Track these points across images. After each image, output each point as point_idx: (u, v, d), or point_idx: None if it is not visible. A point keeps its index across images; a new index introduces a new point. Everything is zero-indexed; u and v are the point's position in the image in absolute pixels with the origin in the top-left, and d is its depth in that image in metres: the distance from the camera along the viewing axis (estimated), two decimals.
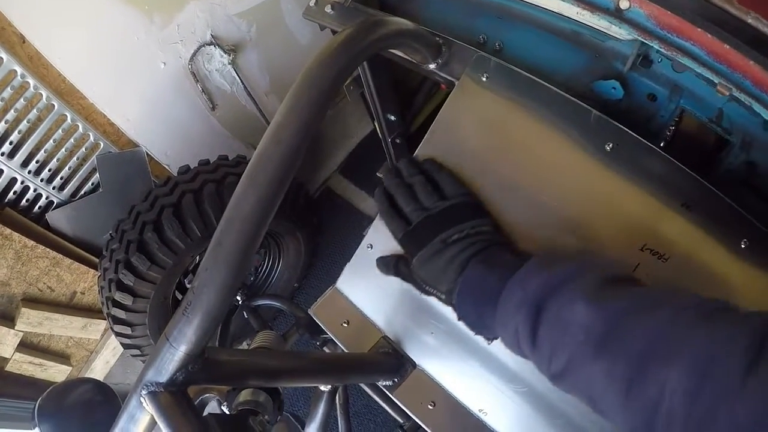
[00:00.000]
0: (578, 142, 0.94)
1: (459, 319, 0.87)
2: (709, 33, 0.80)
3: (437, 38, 1.05)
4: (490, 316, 0.80)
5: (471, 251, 0.86)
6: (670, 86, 1.00)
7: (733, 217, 0.86)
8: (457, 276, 0.85)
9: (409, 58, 1.06)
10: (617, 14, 0.88)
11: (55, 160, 2.00)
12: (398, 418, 1.32)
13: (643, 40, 0.87)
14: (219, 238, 0.69)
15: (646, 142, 0.91)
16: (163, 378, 0.69)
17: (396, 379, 1.06)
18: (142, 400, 0.69)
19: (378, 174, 1.97)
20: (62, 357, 2.38)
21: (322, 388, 1.10)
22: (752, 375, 0.53)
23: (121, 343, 2.04)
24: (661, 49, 0.85)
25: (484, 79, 1.01)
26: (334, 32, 1.37)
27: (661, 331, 0.62)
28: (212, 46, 2.13)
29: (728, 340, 0.57)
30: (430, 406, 1.05)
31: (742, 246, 0.84)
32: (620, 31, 0.92)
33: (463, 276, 0.84)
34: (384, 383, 1.07)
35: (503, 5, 1.10)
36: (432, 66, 1.07)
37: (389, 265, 1.01)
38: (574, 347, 0.67)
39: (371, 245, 1.12)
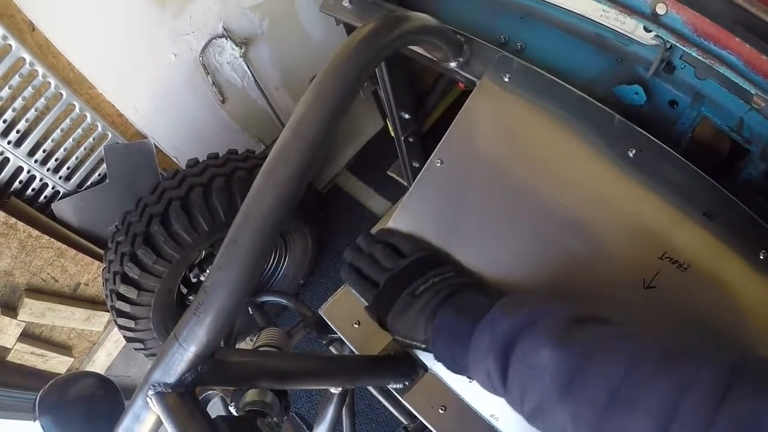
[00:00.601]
0: (600, 147, 0.93)
1: (437, 360, 0.88)
2: (748, 43, 0.78)
3: (459, 36, 1.03)
4: (464, 359, 0.81)
5: (439, 298, 0.88)
6: (692, 93, 0.99)
7: (753, 228, 0.86)
8: (427, 324, 0.87)
9: (430, 56, 1.04)
10: (654, 18, 0.86)
11: (62, 149, 1.98)
12: (402, 419, 1.30)
13: (681, 47, 0.85)
14: (234, 236, 0.66)
15: (669, 149, 0.90)
16: (171, 379, 0.67)
17: (407, 383, 1.04)
18: (149, 400, 0.67)
19: (388, 173, 1.96)
20: (64, 348, 2.37)
21: (333, 390, 1.09)
22: (721, 414, 0.53)
23: (124, 336, 2.03)
24: (699, 57, 0.83)
25: (506, 79, 0.99)
26: (348, 27, 1.35)
27: (624, 376, 0.62)
28: (224, 39, 2.11)
29: (693, 381, 0.57)
30: (441, 411, 1.03)
31: (761, 257, 0.84)
32: (649, 36, 0.90)
33: (434, 323, 0.86)
34: (394, 386, 1.04)
35: (526, 5, 1.09)
36: (453, 64, 1.05)
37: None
38: (542, 390, 0.68)
39: None
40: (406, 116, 1.54)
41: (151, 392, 0.67)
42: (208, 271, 2.06)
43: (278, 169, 0.65)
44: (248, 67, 2.24)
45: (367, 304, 0.98)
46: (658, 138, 0.91)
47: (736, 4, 0.83)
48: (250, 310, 1.95)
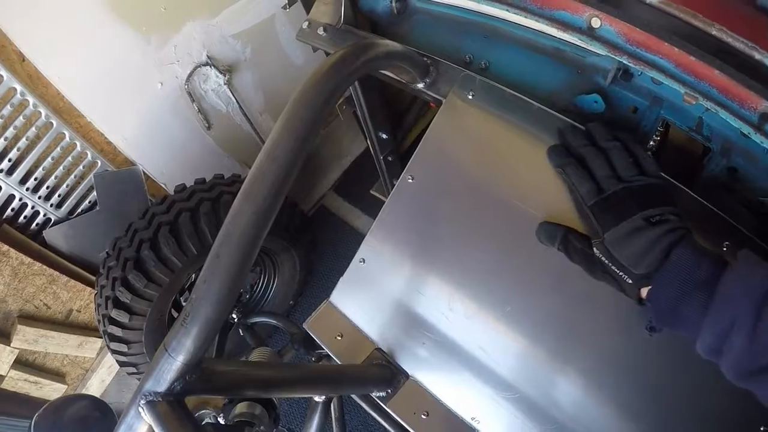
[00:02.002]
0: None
1: (647, 302, 0.81)
2: (676, 46, 0.84)
3: (425, 59, 1.09)
4: (696, 304, 0.74)
5: (676, 235, 0.79)
6: (650, 98, 1.03)
7: (713, 222, 0.89)
8: (660, 259, 0.78)
9: (399, 78, 1.09)
10: (589, 33, 0.92)
11: (53, 177, 2.03)
12: None
13: (612, 56, 0.90)
14: (217, 251, 0.71)
15: None
16: (162, 387, 0.71)
17: (389, 390, 1.08)
18: (141, 409, 0.71)
19: (371, 192, 1.99)
20: (58, 375, 2.39)
21: (317, 398, 1.12)
22: None
23: (117, 361, 2.05)
24: (629, 64, 0.89)
25: (470, 96, 1.05)
26: (327, 54, 1.41)
27: None
28: (208, 67, 2.17)
29: None
30: (423, 416, 1.06)
31: (724, 249, 0.87)
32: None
33: (671, 259, 0.77)
34: (377, 394, 1.08)
35: (488, 25, 1.14)
36: (420, 85, 1.10)
37: (554, 235, 0.94)
38: None
39: (363, 260, 1.15)
40: (384, 136, 1.59)
41: (142, 402, 0.71)
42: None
43: (255, 190, 0.71)
44: (232, 94, 2.30)
45: (583, 198, 0.88)
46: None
47: (665, 12, 0.90)
48: (241, 331, 1.99)
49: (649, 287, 0.80)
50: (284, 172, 0.71)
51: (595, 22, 0.90)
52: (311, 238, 2.39)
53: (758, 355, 0.67)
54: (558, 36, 1.02)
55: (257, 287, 2.46)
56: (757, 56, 0.86)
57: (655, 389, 0.92)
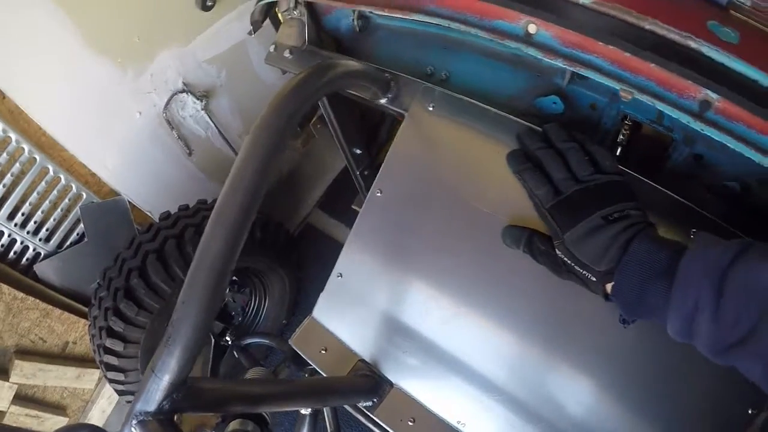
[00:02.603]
0: None
1: (612, 297, 0.83)
2: (610, 44, 0.87)
3: (386, 74, 1.12)
4: (659, 293, 0.76)
5: (634, 230, 0.81)
6: (609, 94, 1.05)
7: (680, 210, 0.91)
8: (620, 255, 0.80)
9: (361, 95, 1.13)
10: (526, 39, 0.95)
11: (39, 212, 2.06)
12: None
13: (548, 60, 0.93)
14: (192, 275, 0.76)
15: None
16: (151, 407, 0.75)
17: (375, 400, 1.10)
18: (133, 429, 0.75)
19: (353, 207, 2.01)
20: (58, 408, 2.39)
21: (303, 411, 1.14)
22: None
23: (115, 390, 2.07)
24: (565, 66, 0.91)
25: (431, 108, 1.08)
26: None
27: None
28: (185, 94, 2.21)
29: None
30: (410, 423, 1.08)
31: (691, 236, 0.87)
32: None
33: (630, 251, 0.79)
34: (364, 404, 1.11)
35: (446, 36, 1.17)
36: (383, 101, 1.14)
37: (519, 238, 0.97)
38: (762, 309, 0.66)
39: (341, 274, 1.18)
40: (358, 151, 1.62)
41: (134, 422, 0.75)
42: None
43: (224, 214, 0.76)
44: (210, 119, 2.34)
45: (541, 201, 0.90)
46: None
47: (599, 12, 0.92)
48: (235, 353, 2.02)
49: (612, 282, 0.82)
50: (250, 195, 0.76)
51: (532, 28, 0.93)
52: (297, 257, 2.41)
53: (726, 333, 0.69)
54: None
55: (249, 309, 2.48)
56: (693, 45, 0.88)
57: (641, 379, 0.94)
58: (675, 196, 0.92)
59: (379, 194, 1.13)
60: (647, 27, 0.90)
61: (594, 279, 0.84)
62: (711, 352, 0.72)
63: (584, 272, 0.84)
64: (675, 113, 0.86)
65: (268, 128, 0.78)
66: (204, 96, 2.26)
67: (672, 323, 0.75)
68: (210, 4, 2.10)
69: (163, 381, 0.75)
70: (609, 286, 0.83)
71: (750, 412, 0.87)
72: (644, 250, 0.78)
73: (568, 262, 0.86)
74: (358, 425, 1.18)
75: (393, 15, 1.07)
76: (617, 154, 1.07)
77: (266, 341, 1.97)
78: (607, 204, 0.84)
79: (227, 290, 2.26)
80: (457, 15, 1.01)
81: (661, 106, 0.86)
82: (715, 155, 0.99)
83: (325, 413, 1.32)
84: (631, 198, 0.86)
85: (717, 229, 0.88)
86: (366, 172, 1.69)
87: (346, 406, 1.16)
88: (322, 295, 1.21)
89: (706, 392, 0.90)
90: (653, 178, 0.95)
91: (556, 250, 0.89)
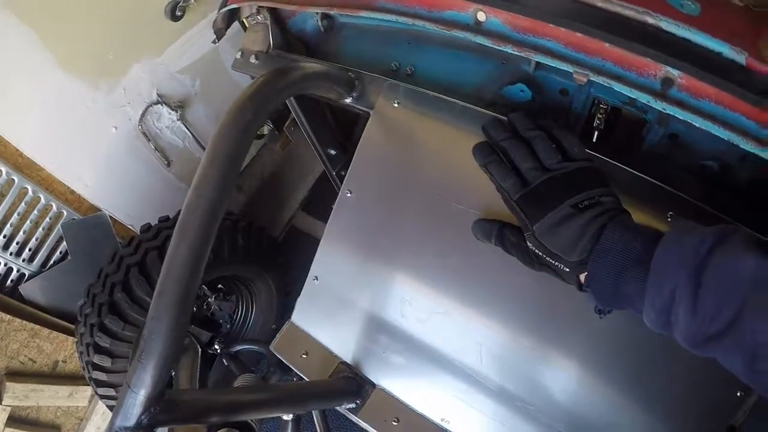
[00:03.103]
0: None
1: (587, 288, 0.80)
2: (561, 26, 0.85)
3: (350, 73, 1.11)
4: (633, 282, 0.73)
5: (606, 218, 0.78)
6: None
7: (655, 193, 0.90)
8: (592, 244, 0.77)
9: (327, 96, 1.12)
10: (476, 27, 0.94)
11: (21, 233, 2.04)
12: None
13: (496, 47, 0.92)
14: (160, 289, 0.76)
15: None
16: (130, 422, 0.75)
17: (358, 401, 1.11)
18: None
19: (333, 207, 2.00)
20: (53, 428, 2.37)
21: (285, 417, 1.13)
22: None
23: (107, 406, 2.07)
24: (515, 52, 0.90)
25: (396, 105, 1.08)
26: None
27: None
28: (159, 105, 2.20)
29: None
30: (394, 422, 1.08)
31: (669, 219, 0.88)
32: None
33: (602, 240, 0.76)
34: (347, 406, 1.11)
35: (409, 31, 1.16)
36: (348, 100, 1.13)
37: (490, 232, 0.94)
38: (742, 301, 0.63)
39: (317, 277, 1.18)
40: (333, 152, 1.62)
41: None
42: None
43: (187, 226, 0.76)
44: (187, 128, 2.33)
45: (509, 194, 0.86)
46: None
47: None
48: (225, 361, 2.01)
49: (586, 273, 0.79)
50: (212, 204, 0.76)
51: (481, 16, 0.92)
52: (283, 261, 2.40)
53: (704, 325, 0.66)
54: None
55: (236, 316, 2.47)
56: (651, 20, 0.86)
57: (625, 367, 0.94)
58: (649, 178, 0.91)
59: (349, 194, 1.13)
60: (599, 5, 0.88)
61: (567, 270, 0.81)
62: (689, 344, 0.70)
63: (556, 263, 0.82)
64: (635, 93, 0.84)
65: (226, 137, 0.78)
66: (179, 106, 2.26)
67: (648, 314, 0.73)
68: (179, 14, 2.09)
69: (140, 396, 0.75)
70: (583, 277, 0.81)
71: (738, 394, 0.86)
72: (617, 238, 0.76)
73: (540, 254, 0.84)
74: (351, 427, 1.18)
75: (344, 13, 1.06)
76: (593, 139, 1.06)
77: (255, 347, 1.97)
78: (576, 192, 0.81)
79: (213, 299, 2.25)
80: (407, 9, 1.00)
81: (619, 87, 0.84)
82: (691, 133, 0.97)
83: (314, 416, 1.32)
84: (601, 184, 0.83)
85: (696, 211, 0.87)
86: (343, 173, 1.68)
87: (337, 408, 1.15)
88: (299, 299, 1.21)
89: (694, 376, 0.90)
90: (630, 161, 0.94)
91: (527, 242, 0.86)
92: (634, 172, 0.92)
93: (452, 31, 0.95)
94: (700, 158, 0.98)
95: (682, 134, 0.98)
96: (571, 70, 0.87)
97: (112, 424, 0.76)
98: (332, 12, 1.13)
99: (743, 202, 0.94)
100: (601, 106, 1.04)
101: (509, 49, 0.90)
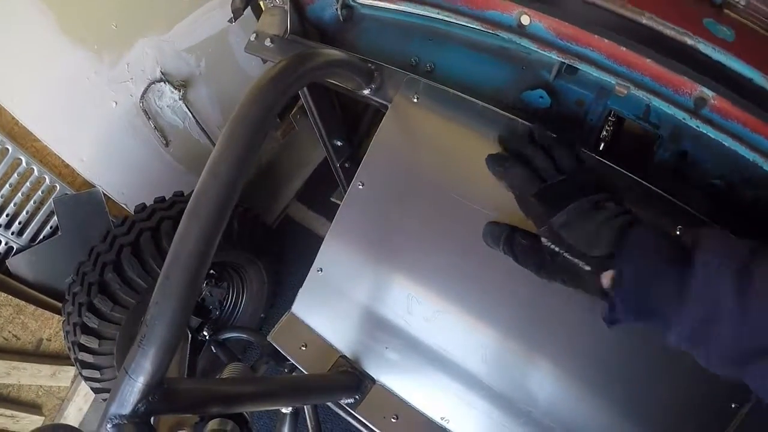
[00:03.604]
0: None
1: (613, 290, 0.74)
2: (606, 38, 0.86)
3: (369, 65, 1.09)
4: (671, 283, 0.67)
5: (627, 218, 0.76)
6: (596, 90, 1.03)
7: (665, 207, 0.89)
8: (617, 238, 0.73)
9: (344, 86, 1.10)
10: (519, 30, 0.94)
11: (12, 205, 2.00)
12: None
13: (541, 51, 0.92)
14: (167, 272, 0.72)
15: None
16: (126, 410, 0.72)
17: (357, 396, 1.09)
18: None
19: (331, 199, 1.97)
20: (34, 407, 2.34)
21: (284, 410, 1.12)
22: None
23: (91, 388, 2.03)
24: (559, 59, 0.91)
25: (415, 100, 1.06)
26: None
27: None
28: (162, 83, 2.17)
29: None
30: (393, 419, 1.07)
31: (678, 233, 0.86)
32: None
33: (631, 234, 0.72)
34: (346, 401, 1.09)
35: (432, 27, 1.15)
36: (366, 91, 1.11)
37: (499, 235, 0.91)
38: None
39: (321, 269, 1.16)
40: (339, 143, 1.59)
41: (109, 425, 0.72)
42: None
43: (199, 208, 0.72)
44: (188, 109, 2.29)
45: (525, 189, 0.84)
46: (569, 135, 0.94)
47: (595, 4, 0.91)
48: (213, 348, 1.99)
49: (611, 272, 0.74)
50: (227, 188, 0.72)
51: (525, 20, 0.93)
52: (276, 250, 2.38)
53: (753, 337, 0.61)
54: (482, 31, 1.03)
55: (226, 303, 2.45)
56: (689, 42, 0.88)
57: (623, 374, 0.93)
58: (660, 192, 0.90)
59: (360, 187, 1.10)
60: (644, 22, 0.90)
61: (588, 268, 0.75)
62: (729, 361, 0.64)
63: (576, 261, 0.76)
64: (670, 109, 0.86)
65: (245, 119, 0.75)
66: (182, 85, 2.22)
67: (683, 324, 0.67)
68: None
69: (138, 383, 0.72)
70: (605, 278, 0.75)
71: (733, 406, 0.86)
72: (649, 235, 0.71)
73: (556, 250, 0.78)
74: (340, 421, 1.17)
75: (380, 4, 1.04)
76: (600, 149, 1.06)
77: (244, 336, 1.94)
78: (595, 191, 0.80)
79: (204, 284, 2.22)
80: (448, 4, 1.00)
81: (656, 102, 0.86)
82: (700, 153, 0.97)
83: (306, 410, 1.30)
84: (617, 194, 0.83)
85: (703, 227, 0.86)
86: (347, 165, 1.66)
87: (328, 403, 1.14)
88: (301, 290, 1.18)
89: (689, 387, 0.89)
90: (638, 175, 0.94)
91: (542, 238, 0.81)
92: (645, 183, 0.92)
93: (496, 32, 0.95)
94: (707, 177, 0.98)
95: (692, 153, 0.99)
96: (614, 82, 0.88)
97: (106, 412, 0.73)
98: (363, 1, 1.10)
99: (747, 220, 0.94)
100: (610, 118, 1.05)
101: (554, 55, 0.91)
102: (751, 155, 0.82)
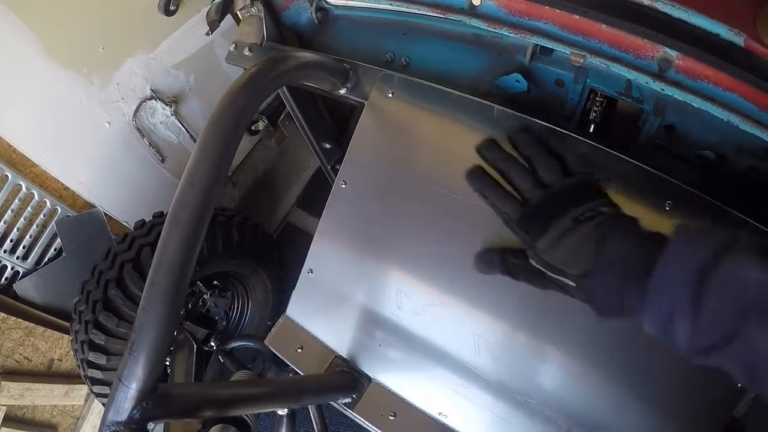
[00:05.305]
0: (485, 136, 0.96)
1: (592, 301, 0.80)
2: (557, 8, 0.85)
3: (344, 64, 1.10)
4: (636, 291, 0.72)
5: (606, 227, 0.78)
6: (574, 69, 1.02)
7: (653, 182, 0.89)
8: (593, 254, 0.77)
9: (321, 87, 1.11)
10: (471, 11, 0.94)
11: (15, 230, 2.04)
12: None
13: (492, 29, 0.91)
14: (152, 279, 0.74)
15: (553, 127, 0.93)
16: (122, 417, 0.73)
17: (354, 396, 1.09)
18: None
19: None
20: (49, 427, 2.36)
21: (280, 412, 1.11)
22: None
23: (103, 404, 2.04)
24: (511, 35, 0.90)
25: (390, 95, 1.07)
26: None
27: None
28: (153, 100, 2.19)
29: None
30: (391, 417, 1.07)
31: (667, 208, 0.87)
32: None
33: (604, 250, 0.76)
34: (343, 401, 1.09)
35: (404, 22, 1.16)
36: (343, 91, 1.12)
37: (493, 261, 0.93)
38: (744, 313, 0.63)
39: (311, 270, 1.16)
40: (328, 146, 1.60)
41: None
42: None
43: (178, 216, 0.74)
44: (182, 123, 2.32)
45: (509, 216, 0.87)
46: (553, 117, 0.95)
47: None
48: (221, 358, 2.01)
49: (591, 284, 0.79)
50: (204, 194, 0.74)
51: (476, 0, 0.92)
52: (277, 257, 2.39)
53: (704, 336, 0.66)
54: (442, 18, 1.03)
55: (232, 313, 2.46)
56: (646, 2, 0.85)
57: (626, 359, 0.93)
58: (648, 168, 0.90)
59: (343, 186, 1.11)
60: None
61: (573, 284, 0.81)
62: (690, 354, 0.69)
63: (562, 279, 0.81)
64: (633, 74, 0.84)
65: (217, 127, 0.77)
66: (173, 101, 2.25)
67: (648, 325, 0.73)
68: (173, 8, 2.06)
69: (131, 390, 0.73)
70: (587, 290, 0.80)
71: (740, 386, 0.86)
72: (616, 249, 0.76)
73: (544, 271, 0.83)
74: (348, 423, 1.17)
75: (350, 3, 1.05)
76: (589, 131, 1.06)
77: (250, 344, 1.96)
78: (576, 205, 0.81)
79: (208, 295, 2.24)
80: None
81: (616, 68, 0.85)
82: (687, 124, 0.97)
83: (311, 412, 1.31)
84: (601, 195, 0.84)
85: (694, 200, 0.87)
86: (338, 166, 1.67)
87: (333, 404, 1.14)
88: (293, 292, 1.19)
89: (695, 368, 0.86)
90: (626, 153, 0.93)
91: (530, 261, 0.86)
92: (632, 161, 0.91)
93: (447, 15, 0.95)
94: (695, 148, 0.98)
95: (678, 125, 0.98)
96: (567, 52, 0.87)
97: (104, 420, 0.74)
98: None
99: (740, 191, 0.94)
100: (598, 98, 1.04)
101: (505, 32, 0.91)
102: (725, 115, 0.80)
